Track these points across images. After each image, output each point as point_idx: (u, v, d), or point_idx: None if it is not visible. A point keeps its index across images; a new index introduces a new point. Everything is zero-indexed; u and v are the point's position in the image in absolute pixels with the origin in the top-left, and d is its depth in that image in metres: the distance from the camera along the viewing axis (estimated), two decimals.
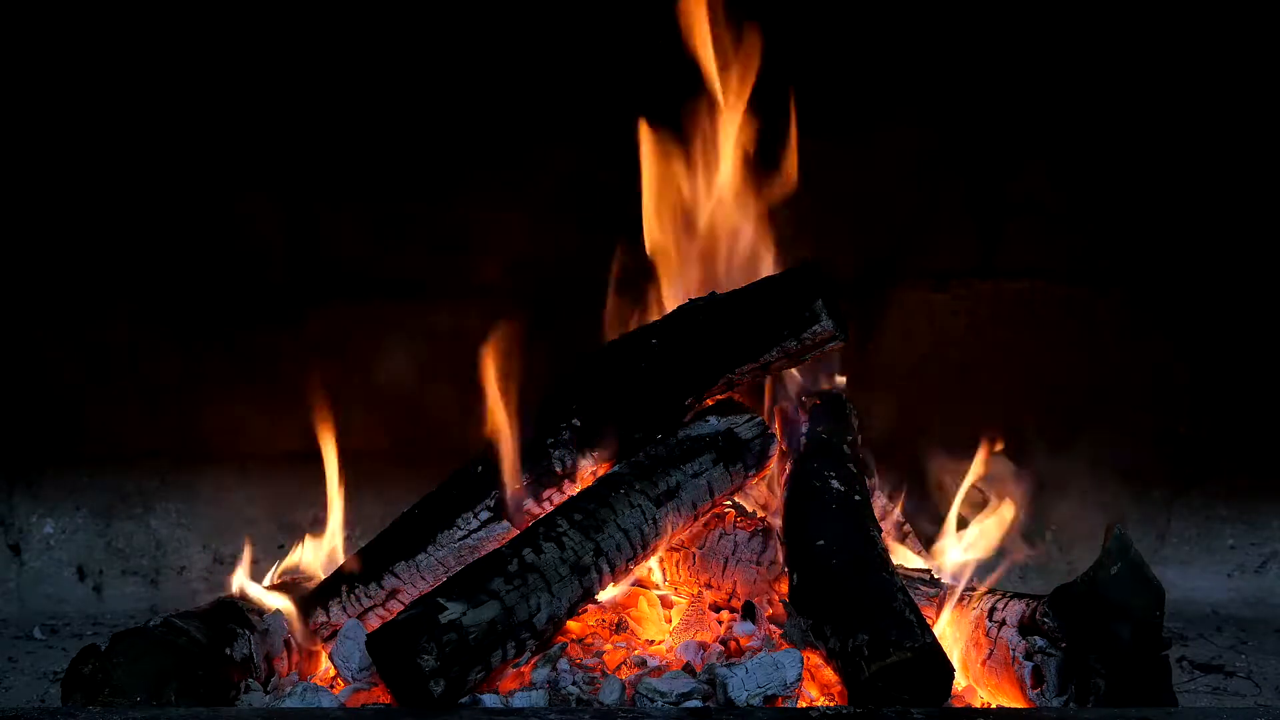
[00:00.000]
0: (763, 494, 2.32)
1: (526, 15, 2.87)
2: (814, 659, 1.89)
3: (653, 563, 2.22)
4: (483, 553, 2.03)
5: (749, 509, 2.28)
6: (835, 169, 2.85)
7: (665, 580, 2.26)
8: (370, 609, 2.12)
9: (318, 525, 2.32)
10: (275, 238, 2.98)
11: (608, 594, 2.11)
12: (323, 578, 2.21)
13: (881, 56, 2.89)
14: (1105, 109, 2.93)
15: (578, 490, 2.13)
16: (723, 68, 2.38)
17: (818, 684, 1.90)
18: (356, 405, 3.00)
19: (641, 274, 2.41)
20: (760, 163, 2.38)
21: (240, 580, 2.14)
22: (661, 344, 2.18)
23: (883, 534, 2.08)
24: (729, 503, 2.23)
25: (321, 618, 2.13)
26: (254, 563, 2.21)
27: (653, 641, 2.12)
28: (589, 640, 2.06)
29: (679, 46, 2.43)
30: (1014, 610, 1.93)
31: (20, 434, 2.98)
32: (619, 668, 1.98)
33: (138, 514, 3.02)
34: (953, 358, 3.03)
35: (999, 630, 1.93)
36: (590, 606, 2.06)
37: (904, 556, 2.31)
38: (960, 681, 1.96)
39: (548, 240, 2.90)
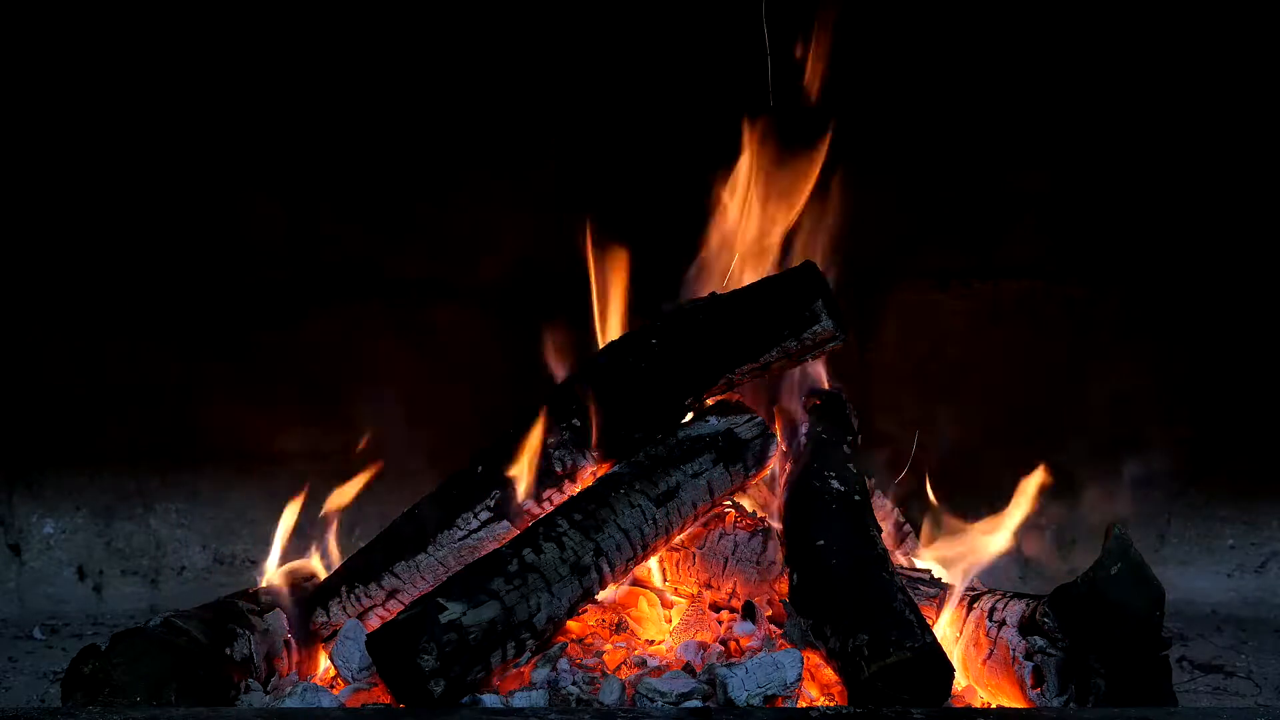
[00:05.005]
0: (763, 494, 2.32)
1: (525, 18, 2.87)
2: (814, 659, 1.89)
3: (653, 563, 2.22)
4: (483, 553, 2.03)
5: (749, 509, 2.28)
6: (836, 169, 2.86)
7: (665, 580, 2.26)
8: (370, 609, 2.12)
9: (319, 525, 2.32)
10: (276, 238, 2.98)
11: (608, 594, 2.11)
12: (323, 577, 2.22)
13: (883, 57, 2.89)
14: (1106, 110, 2.92)
15: (578, 490, 2.14)
16: None
17: (818, 684, 1.90)
18: (356, 405, 3.00)
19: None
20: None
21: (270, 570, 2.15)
22: (661, 344, 2.18)
23: (883, 534, 2.08)
24: (729, 503, 2.23)
25: (321, 618, 2.13)
26: (253, 562, 2.21)
27: (653, 641, 2.12)
28: (589, 640, 2.06)
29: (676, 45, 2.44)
30: (1014, 610, 1.93)
31: (20, 434, 2.98)
32: (619, 668, 1.98)
33: (138, 514, 3.02)
34: (953, 358, 3.02)
35: (999, 630, 1.93)
36: (590, 606, 2.06)
37: (904, 557, 2.31)
38: (960, 681, 1.96)
39: (548, 240, 2.90)
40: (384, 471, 2.87)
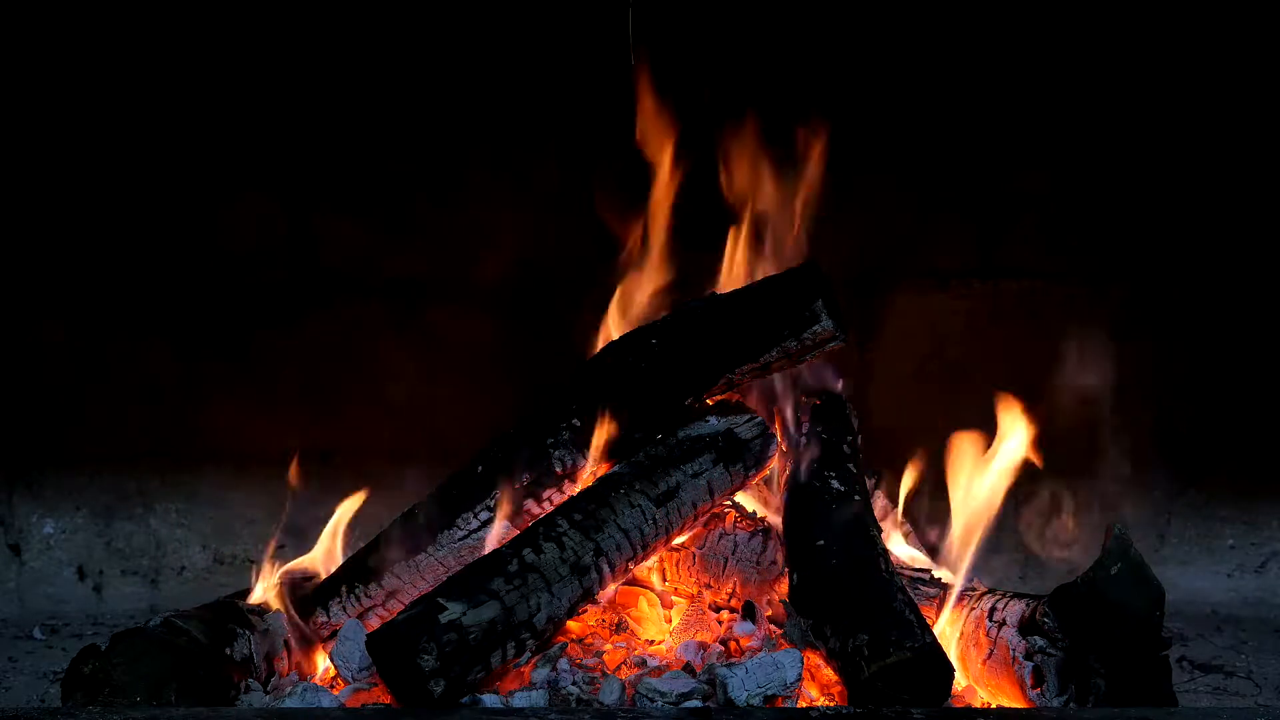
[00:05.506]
0: (763, 494, 2.32)
1: (526, 18, 2.87)
2: (814, 659, 1.89)
3: (652, 563, 2.22)
4: (483, 553, 2.03)
5: (749, 509, 2.28)
6: (836, 167, 2.85)
7: (665, 580, 2.26)
8: (370, 609, 2.12)
9: (318, 526, 2.32)
10: (276, 238, 2.98)
11: (608, 593, 2.11)
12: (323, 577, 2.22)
13: (883, 56, 2.89)
14: (1106, 110, 2.92)
15: (578, 490, 2.14)
16: None
17: (818, 684, 1.90)
18: (356, 405, 3.00)
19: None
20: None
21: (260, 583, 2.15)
22: (661, 344, 2.18)
23: (883, 534, 2.09)
24: (729, 503, 2.23)
25: (321, 618, 2.13)
26: (253, 562, 2.21)
27: (653, 641, 2.12)
28: (589, 640, 2.06)
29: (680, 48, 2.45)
30: (1014, 610, 1.93)
31: (20, 434, 2.98)
32: (619, 668, 1.98)
33: (138, 514, 3.02)
34: (953, 358, 3.02)
35: (999, 630, 1.92)
36: (590, 606, 2.06)
37: (904, 556, 2.31)
38: (960, 681, 1.96)
39: (548, 240, 2.90)
40: (384, 471, 2.89)
